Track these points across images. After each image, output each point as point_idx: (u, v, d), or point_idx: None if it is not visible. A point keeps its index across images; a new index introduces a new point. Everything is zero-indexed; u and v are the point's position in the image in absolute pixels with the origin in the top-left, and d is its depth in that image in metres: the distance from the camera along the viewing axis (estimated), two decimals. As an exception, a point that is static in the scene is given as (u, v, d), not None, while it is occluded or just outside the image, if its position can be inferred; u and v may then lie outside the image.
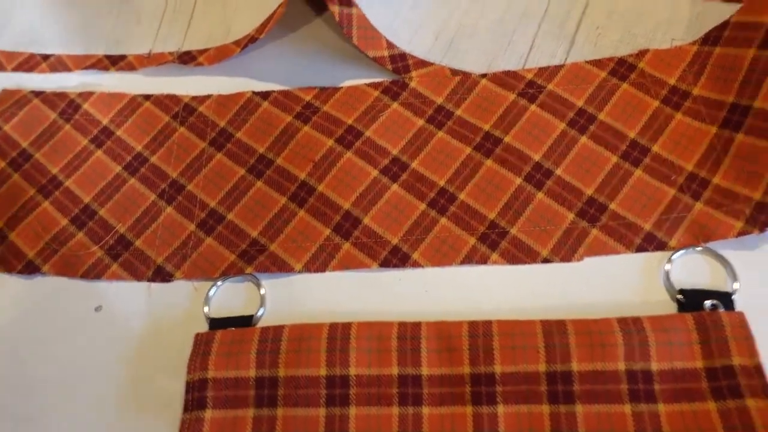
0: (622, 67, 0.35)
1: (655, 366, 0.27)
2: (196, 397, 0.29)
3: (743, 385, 0.26)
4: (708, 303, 0.29)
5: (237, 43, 0.39)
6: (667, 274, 0.30)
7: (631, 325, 0.28)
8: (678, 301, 0.29)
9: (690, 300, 0.29)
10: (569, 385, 0.27)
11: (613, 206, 0.32)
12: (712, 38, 0.34)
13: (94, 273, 0.34)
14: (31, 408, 0.31)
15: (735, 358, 0.26)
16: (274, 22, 0.36)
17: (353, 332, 0.29)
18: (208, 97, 0.38)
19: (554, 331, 0.28)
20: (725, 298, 0.29)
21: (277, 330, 0.30)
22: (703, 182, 0.31)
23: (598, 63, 0.36)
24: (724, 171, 0.31)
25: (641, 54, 0.35)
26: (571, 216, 0.32)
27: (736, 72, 0.32)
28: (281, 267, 0.32)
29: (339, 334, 0.29)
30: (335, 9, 0.35)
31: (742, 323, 0.27)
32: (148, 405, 0.30)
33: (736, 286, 0.29)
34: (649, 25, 0.37)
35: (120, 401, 0.31)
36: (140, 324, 0.32)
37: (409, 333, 0.29)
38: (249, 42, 0.37)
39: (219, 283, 0.33)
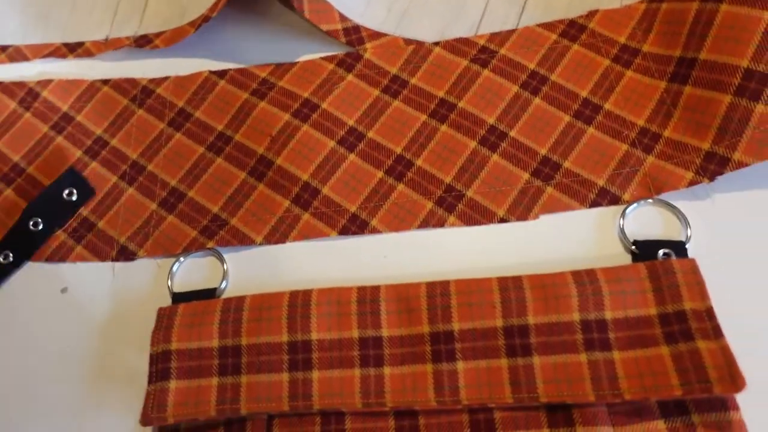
0: (572, 29, 0.36)
1: (609, 315, 0.27)
2: (160, 368, 0.29)
3: (694, 329, 0.26)
4: (661, 252, 0.29)
5: (192, 23, 0.39)
6: (621, 228, 0.30)
7: (585, 277, 0.28)
8: (632, 253, 0.30)
9: (644, 251, 0.29)
10: (526, 338, 0.27)
11: (566, 164, 0.32)
12: (660, -5, 0.35)
13: (59, 256, 0.34)
14: (1, 387, 0.31)
15: (687, 303, 0.27)
16: (226, 0, 0.36)
17: (313, 299, 0.29)
18: (166, 78, 0.38)
19: (510, 286, 0.28)
20: (678, 247, 0.29)
21: (239, 300, 0.30)
22: (654, 136, 0.32)
23: (549, 26, 0.36)
24: (674, 124, 0.32)
25: (591, 14, 0.36)
26: (525, 176, 0.32)
27: (681, 26, 0.32)
28: (242, 240, 0.33)
29: (300, 301, 0.29)
30: (286, -17, 0.35)
31: (693, 269, 0.28)
32: (115, 380, 0.31)
33: (688, 233, 0.30)
34: (599, -13, 0.37)
35: (88, 377, 0.31)
36: (106, 303, 0.33)
37: (368, 296, 0.29)
38: (203, 21, 0.37)
39: (182, 258, 0.33)
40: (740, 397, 0.25)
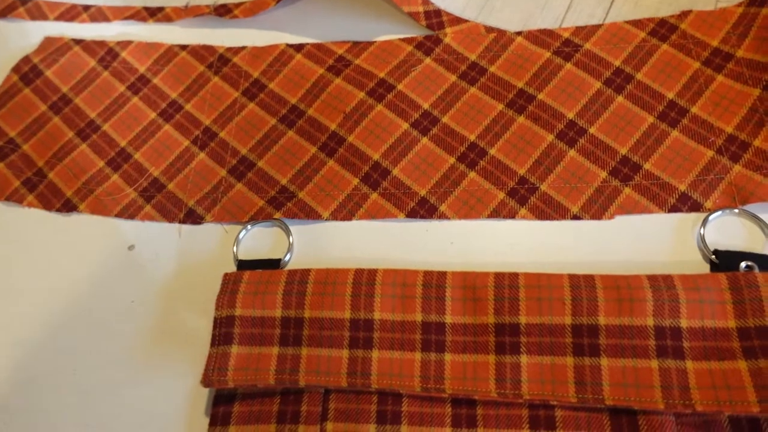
0: (662, 28, 0.34)
1: (684, 323, 0.26)
2: (223, 333, 0.29)
3: (776, 345, 0.25)
4: (743, 264, 0.28)
5: (273, -4, 0.39)
6: (701, 236, 0.29)
7: (661, 282, 0.27)
8: (711, 262, 0.29)
9: (724, 261, 0.28)
10: (595, 338, 0.27)
11: (647, 166, 0.31)
12: (758, 0, 0.33)
13: (128, 214, 0.34)
14: (65, 339, 0.32)
15: (769, 318, 0.26)
16: (311, -25, 0.36)
17: (378, 278, 0.29)
18: (243, 48, 0.39)
19: (582, 285, 0.28)
20: (762, 260, 0.28)
21: (304, 273, 0.30)
22: (743, 144, 0.31)
23: (637, 23, 0.35)
24: (765, 133, 0.30)
25: (683, 15, 0.35)
26: (603, 174, 0.31)
27: (783, 32, 0.31)
28: (309, 214, 0.33)
29: (364, 279, 0.29)
30: (372, -39, 0.35)
31: (778, 284, 0.26)
32: (177, 339, 0.31)
33: (773, 248, 0.28)
34: (692, -13, 0.36)
35: (150, 335, 0.31)
36: (170, 263, 0.33)
37: (434, 281, 0.29)
38: (285, -6, 0.37)
39: (249, 226, 0.33)
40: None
